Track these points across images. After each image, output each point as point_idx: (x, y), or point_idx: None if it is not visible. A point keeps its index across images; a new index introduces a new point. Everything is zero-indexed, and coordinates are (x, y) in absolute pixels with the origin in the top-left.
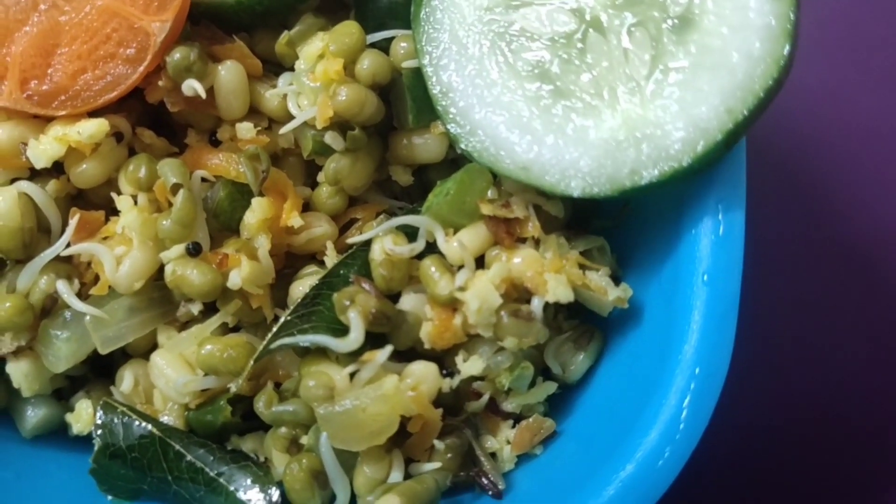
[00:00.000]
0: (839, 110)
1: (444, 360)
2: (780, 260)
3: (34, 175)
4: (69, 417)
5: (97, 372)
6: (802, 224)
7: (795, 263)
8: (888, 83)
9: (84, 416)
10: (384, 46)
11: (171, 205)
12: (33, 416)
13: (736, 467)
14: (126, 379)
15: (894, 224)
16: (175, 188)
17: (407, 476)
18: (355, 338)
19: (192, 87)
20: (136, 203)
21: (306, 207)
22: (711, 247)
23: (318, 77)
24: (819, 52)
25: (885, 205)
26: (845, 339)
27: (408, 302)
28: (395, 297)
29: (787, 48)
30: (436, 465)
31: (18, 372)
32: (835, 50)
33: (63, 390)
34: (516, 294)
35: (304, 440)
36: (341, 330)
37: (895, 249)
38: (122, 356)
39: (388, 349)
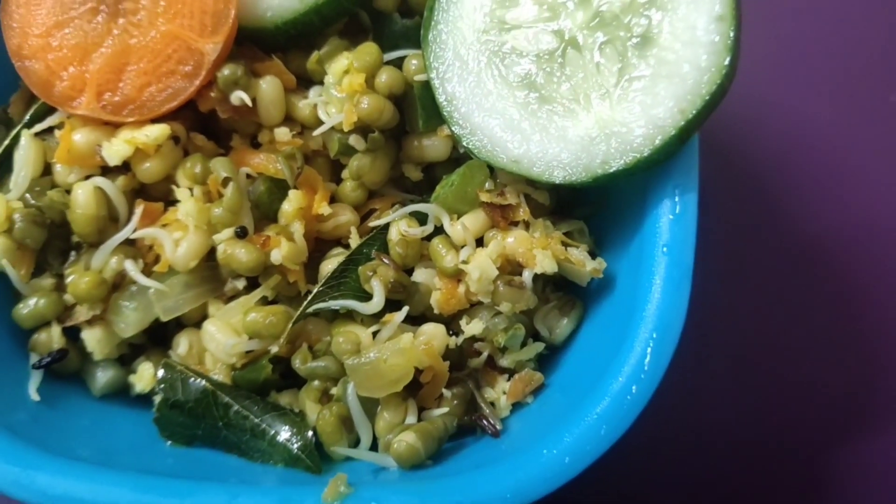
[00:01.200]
0: (792, 119)
1: (450, 323)
2: (734, 249)
3: (104, 172)
4: (132, 378)
5: (153, 341)
6: (756, 217)
7: (748, 251)
8: (836, 95)
9: (146, 376)
10: (398, 63)
11: (221, 196)
12: (103, 377)
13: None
14: (182, 343)
15: (836, 217)
16: (226, 181)
17: (420, 421)
18: (377, 301)
19: (239, 97)
20: (192, 194)
21: (333, 199)
22: (669, 224)
23: (344, 89)
24: (772, 65)
25: (828, 202)
26: (785, 313)
27: (420, 275)
28: (409, 272)
29: (727, 60)
30: (444, 410)
31: (92, 338)
32: (788, 64)
33: (124, 357)
34: (510, 268)
35: (334, 391)
36: (365, 297)
37: (832, 238)
38: (175, 327)
39: (405, 310)
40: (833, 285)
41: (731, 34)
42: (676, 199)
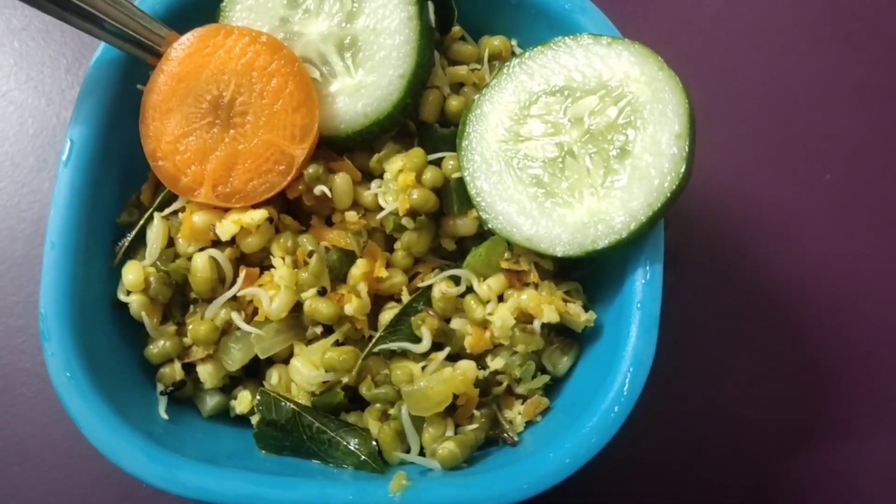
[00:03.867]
0: (747, 193)
1: (479, 360)
2: (702, 296)
3: (215, 244)
4: (233, 403)
5: (247, 374)
6: (718, 272)
7: (713, 298)
8: (782, 174)
9: (244, 401)
10: (438, 162)
11: (306, 263)
12: (211, 401)
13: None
14: (274, 376)
15: (783, 270)
16: (311, 253)
17: (456, 434)
18: (426, 344)
19: (321, 189)
20: (284, 262)
21: (388, 265)
22: (642, 286)
23: (399, 184)
24: (730, 151)
25: (776, 259)
26: (740, 359)
27: (456, 323)
28: (447, 321)
29: (683, 167)
30: (475, 425)
31: (205, 371)
32: (743, 150)
33: (225, 387)
34: (524, 318)
35: (391, 412)
36: (416, 340)
37: (780, 287)
38: (265, 363)
39: (446, 350)
40: (781, 324)
41: (687, 148)
42: (647, 267)
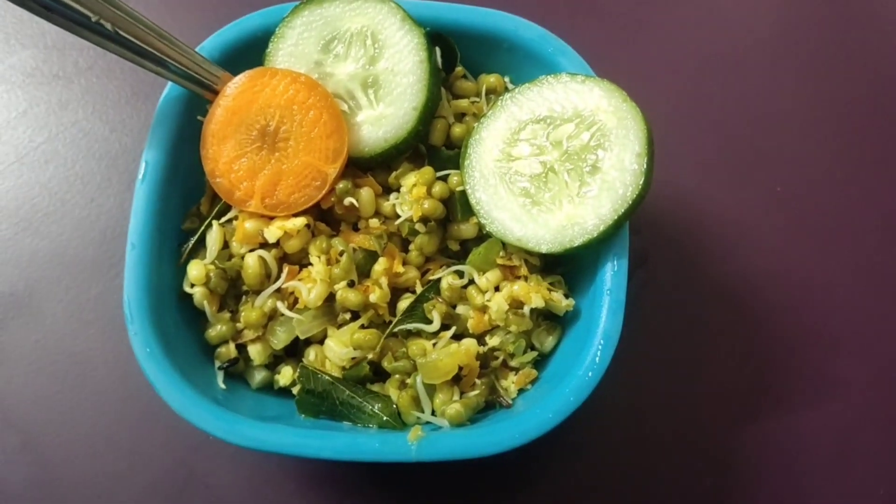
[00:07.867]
0: (705, 202)
1: (479, 338)
2: (667, 287)
3: (262, 246)
4: (277, 377)
5: (287, 353)
6: (681, 268)
7: (677, 289)
8: (736, 186)
9: (287, 374)
10: (445, 178)
11: (338, 261)
12: (259, 376)
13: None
14: (311, 353)
15: (737, 267)
16: (341, 253)
17: (461, 398)
18: (436, 324)
19: (350, 201)
20: (320, 260)
21: (404, 263)
22: (611, 276)
23: (413, 196)
24: (691, 165)
25: (731, 258)
26: (699, 341)
27: (460, 309)
28: (454, 307)
29: (642, 180)
30: (476, 392)
31: (254, 350)
32: (703, 164)
33: (269, 364)
34: (516, 304)
35: (408, 381)
36: (428, 322)
37: (734, 281)
38: (303, 343)
39: (452, 330)
40: (735, 314)
41: (645, 164)
42: (615, 261)
